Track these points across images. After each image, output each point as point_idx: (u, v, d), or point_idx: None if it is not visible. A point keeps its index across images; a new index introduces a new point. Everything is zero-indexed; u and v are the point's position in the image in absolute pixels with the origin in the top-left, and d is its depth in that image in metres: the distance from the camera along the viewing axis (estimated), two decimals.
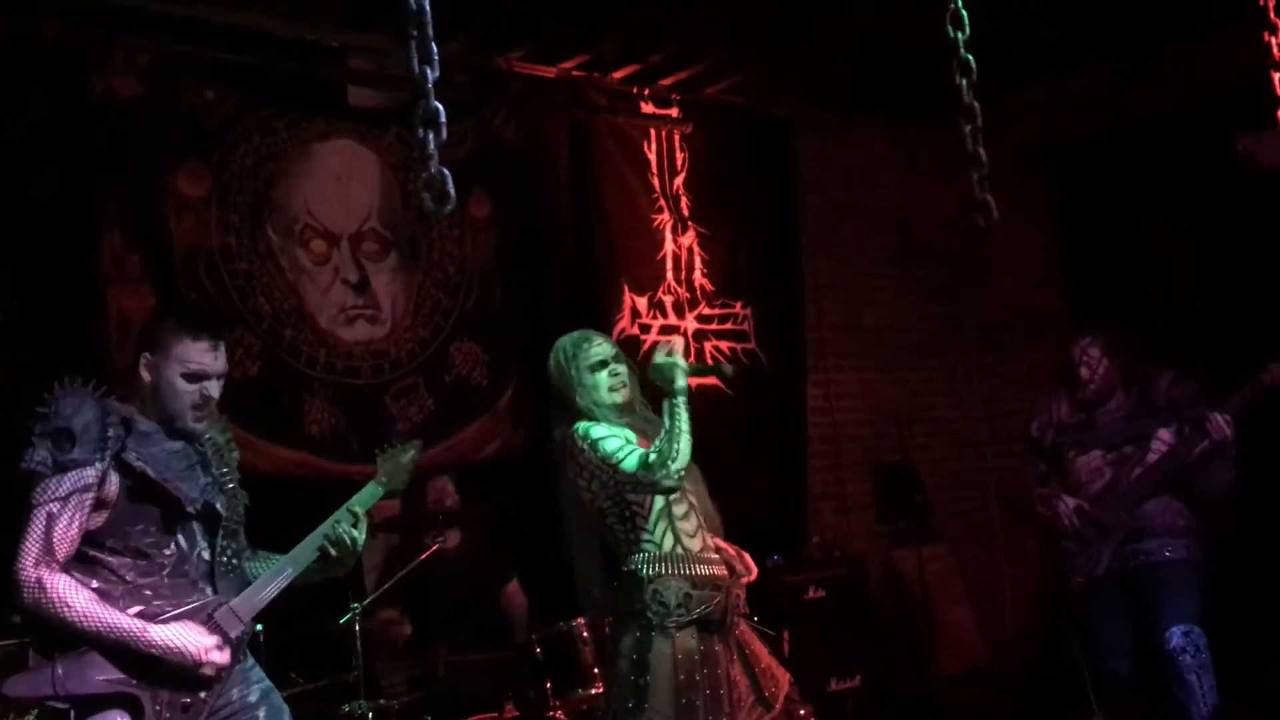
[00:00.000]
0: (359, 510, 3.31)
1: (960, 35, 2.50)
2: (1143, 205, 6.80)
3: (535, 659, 4.83)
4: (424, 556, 5.07)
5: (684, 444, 3.40)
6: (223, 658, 3.04)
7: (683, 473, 3.41)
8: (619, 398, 3.61)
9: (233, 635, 3.10)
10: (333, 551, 3.24)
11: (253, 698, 3.17)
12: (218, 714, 3.10)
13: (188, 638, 2.99)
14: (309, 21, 5.53)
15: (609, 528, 3.58)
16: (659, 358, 3.52)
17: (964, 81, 2.49)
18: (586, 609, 4.43)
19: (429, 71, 1.88)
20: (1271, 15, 3.13)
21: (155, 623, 2.98)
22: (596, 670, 4.71)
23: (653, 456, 3.40)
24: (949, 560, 7.44)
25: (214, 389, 3.16)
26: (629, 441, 3.50)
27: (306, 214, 5.63)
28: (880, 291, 7.72)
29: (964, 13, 2.50)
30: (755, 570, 3.67)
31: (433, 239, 5.98)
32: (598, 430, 3.51)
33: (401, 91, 5.72)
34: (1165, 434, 4.77)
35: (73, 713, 2.90)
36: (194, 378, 3.11)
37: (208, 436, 3.25)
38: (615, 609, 3.59)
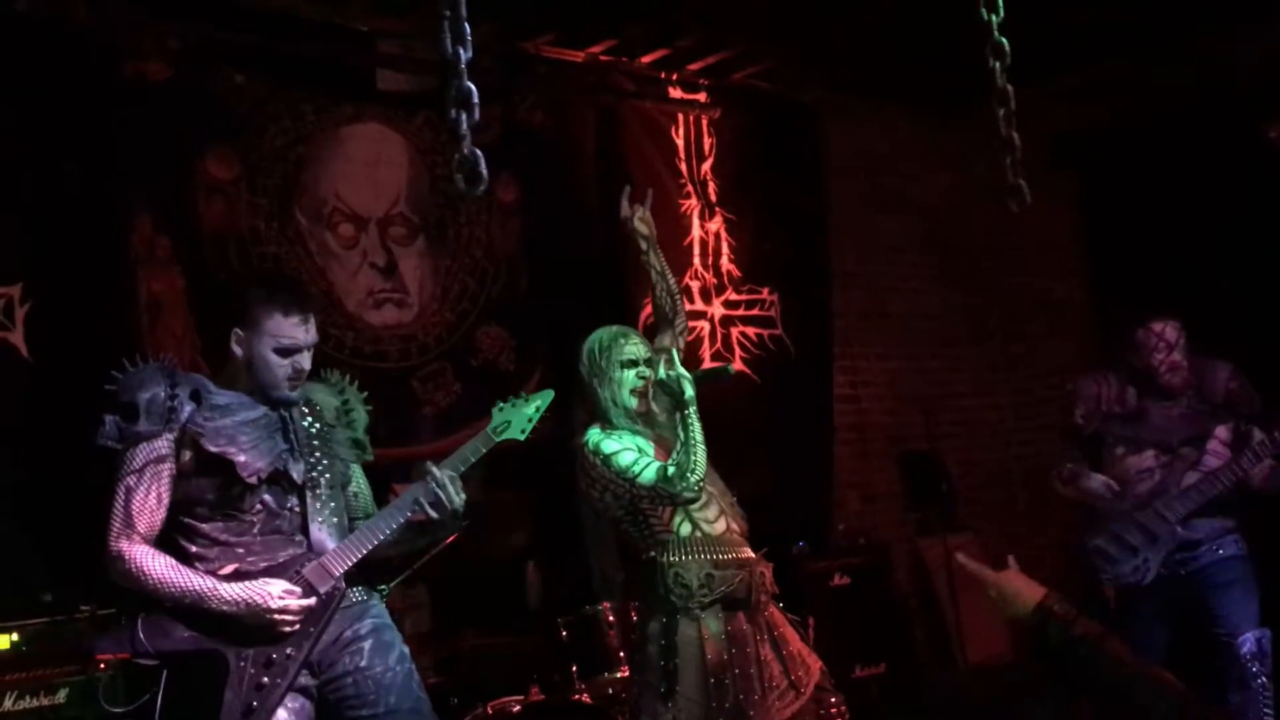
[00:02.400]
0: (447, 474, 3.27)
1: (994, 18, 2.48)
2: (1171, 194, 6.75)
3: (561, 642, 4.84)
4: (449, 540, 5.07)
5: (700, 455, 3.42)
6: (297, 605, 3.08)
7: (701, 484, 3.41)
8: (636, 402, 3.61)
9: (321, 589, 3.14)
10: (431, 513, 3.25)
11: (363, 630, 3.25)
12: (329, 657, 3.18)
13: (255, 590, 3.06)
14: (338, 5, 5.54)
15: (624, 530, 3.59)
16: (663, 373, 3.53)
17: (997, 64, 2.48)
18: (603, 595, 4.45)
19: (462, 52, 1.88)
20: None
21: (229, 582, 3.07)
22: (621, 654, 4.71)
23: (671, 470, 3.40)
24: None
25: (305, 361, 3.25)
26: (642, 452, 3.50)
27: (335, 198, 5.64)
28: (907, 280, 7.69)
29: None
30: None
31: (460, 223, 5.99)
32: (608, 444, 3.50)
33: (430, 76, 5.73)
34: (1223, 432, 4.54)
35: (165, 670, 3.01)
36: (286, 352, 3.21)
37: (312, 404, 3.35)
38: (639, 595, 3.59)
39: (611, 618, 4.78)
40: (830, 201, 7.30)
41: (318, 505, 3.25)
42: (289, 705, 3.10)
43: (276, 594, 3.06)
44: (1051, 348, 7.73)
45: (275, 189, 5.47)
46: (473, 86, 1.87)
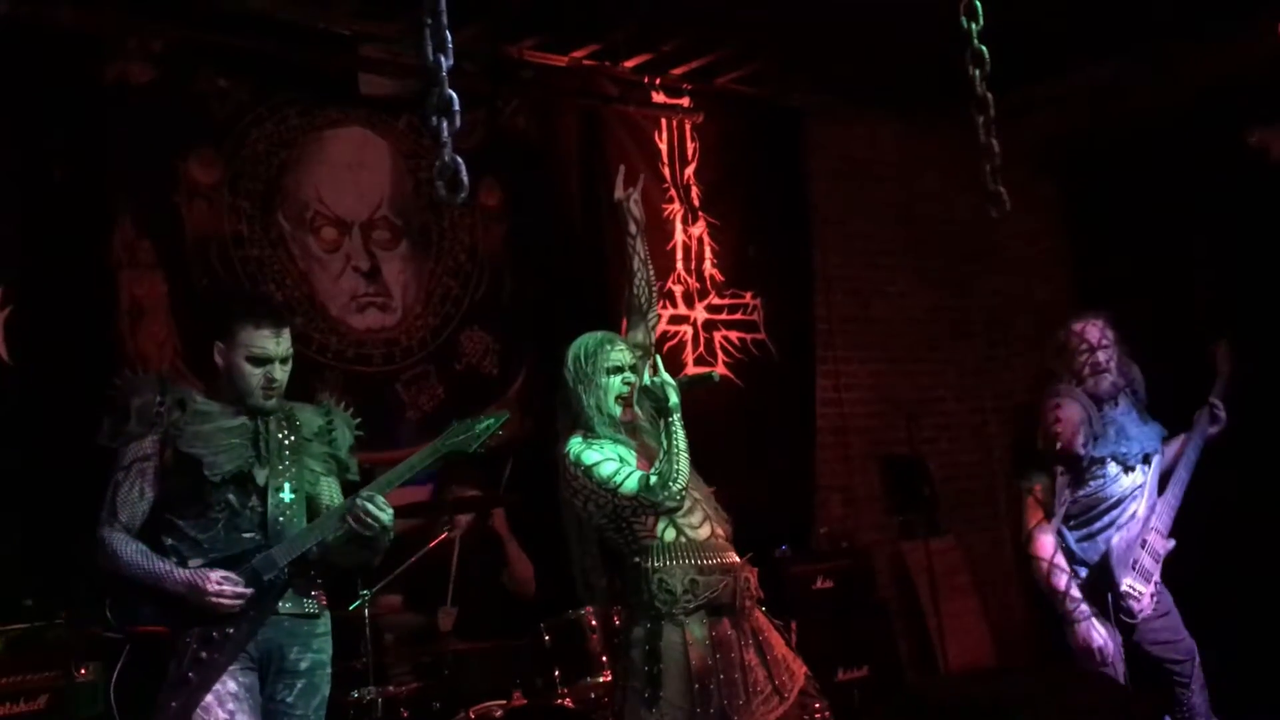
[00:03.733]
0: (368, 493, 3.57)
1: (974, 26, 2.51)
2: (1153, 199, 6.78)
3: (543, 647, 4.84)
4: (432, 545, 5.08)
5: (683, 463, 3.44)
6: (231, 589, 3.45)
7: (684, 492, 3.42)
8: (621, 410, 3.61)
9: (266, 576, 3.53)
10: (355, 528, 3.55)
11: (303, 665, 3.63)
12: (273, 662, 3.57)
13: (198, 575, 3.46)
14: (322, 9, 5.54)
15: (608, 537, 3.59)
16: (648, 380, 3.53)
17: (977, 72, 2.51)
18: (585, 600, 4.45)
19: (443, 60, 1.89)
20: None
21: (185, 567, 3.48)
22: (604, 659, 4.72)
23: (653, 479, 3.40)
24: (956, 553, 7.44)
25: (277, 371, 3.64)
26: (624, 461, 3.49)
27: (318, 201, 5.64)
28: (890, 283, 7.71)
29: (978, 3, 2.51)
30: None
31: (444, 227, 5.99)
32: (589, 455, 3.49)
33: (413, 80, 5.73)
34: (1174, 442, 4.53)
35: (128, 644, 3.42)
36: (257, 361, 3.61)
37: (293, 420, 3.72)
38: (622, 600, 3.59)
39: (594, 622, 4.79)
40: (813, 206, 7.32)
41: (279, 508, 3.60)
42: (240, 680, 3.48)
43: (215, 579, 3.45)
44: (1033, 352, 7.74)
45: (258, 193, 5.47)
46: (454, 94, 1.87)
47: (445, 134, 1.87)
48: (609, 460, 3.47)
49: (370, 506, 3.53)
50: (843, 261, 7.49)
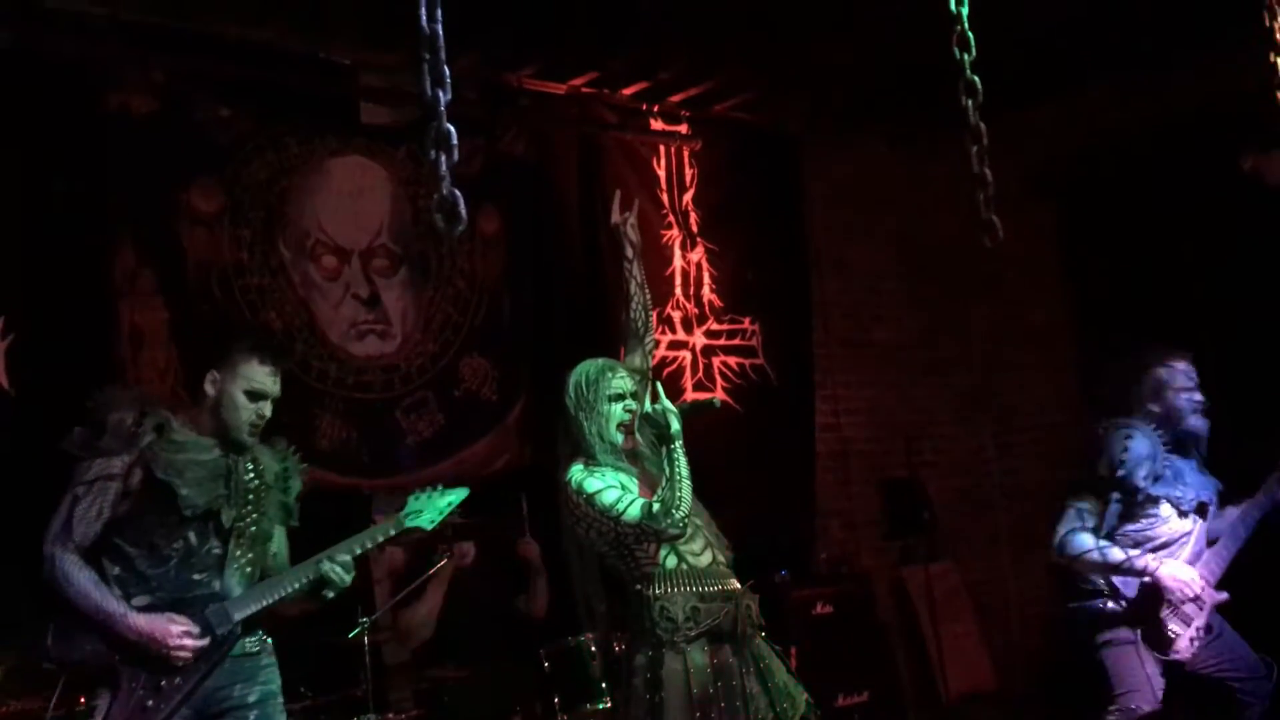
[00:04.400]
0: (345, 558, 3.56)
1: (966, 57, 2.53)
2: (1150, 221, 6.82)
3: (543, 673, 4.84)
4: (431, 572, 5.09)
5: (686, 490, 3.43)
6: (192, 644, 3.34)
7: (686, 520, 3.42)
8: (622, 438, 3.61)
9: (219, 631, 3.40)
10: (324, 592, 3.56)
11: (251, 698, 3.49)
12: (216, 705, 3.42)
13: (157, 626, 3.32)
14: (322, 39, 5.58)
15: (610, 564, 3.59)
16: (650, 407, 3.55)
17: (970, 102, 2.52)
18: (587, 626, 4.46)
19: (441, 94, 1.91)
20: (1278, 36, 3.14)
21: (141, 612, 3.33)
22: (604, 685, 4.72)
23: (656, 506, 3.40)
24: (956, 578, 7.44)
25: (267, 410, 3.59)
26: (625, 489, 3.50)
27: (318, 229, 5.67)
28: (888, 307, 7.74)
29: (970, 35, 2.53)
30: None
31: (443, 254, 6.01)
32: (591, 483, 3.49)
33: (413, 109, 5.77)
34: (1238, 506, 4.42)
35: (63, 677, 3.38)
36: (254, 396, 3.55)
37: (257, 462, 3.62)
38: (622, 626, 3.60)
39: (594, 648, 4.79)
40: (811, 231, 7.35)
41: (237, 553, 3.51)
42: None
43: (176, 632, 3.33)
44: (1032, 375, 7.78)
45: (259, 221, 5.50)
46: (452, 128, 1.89)
47: (444, 167, 1.89)
48: (611, 488, 3.48)
49: (341, 571, 3.52)
50: (840, 286, 7.52)
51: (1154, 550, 4.25)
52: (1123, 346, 4.72)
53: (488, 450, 5.96)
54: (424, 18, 1.92)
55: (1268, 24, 3.14)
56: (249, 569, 3.53)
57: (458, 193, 1.88)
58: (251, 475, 3.59)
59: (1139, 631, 4.23)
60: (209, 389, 3.58)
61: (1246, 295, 6.47)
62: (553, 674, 4.83)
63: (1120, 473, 4.21)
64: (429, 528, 3.71)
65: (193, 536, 3.43)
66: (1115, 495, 4.24)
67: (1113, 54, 6.41)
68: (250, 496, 3.56)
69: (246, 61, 5.38)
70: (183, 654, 3.33)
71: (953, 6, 2.54)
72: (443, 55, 1.91)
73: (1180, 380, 4.40)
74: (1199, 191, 6.52)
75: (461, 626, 5.24)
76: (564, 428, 3.66)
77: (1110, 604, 4.28)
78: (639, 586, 3.50)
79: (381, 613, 4.95)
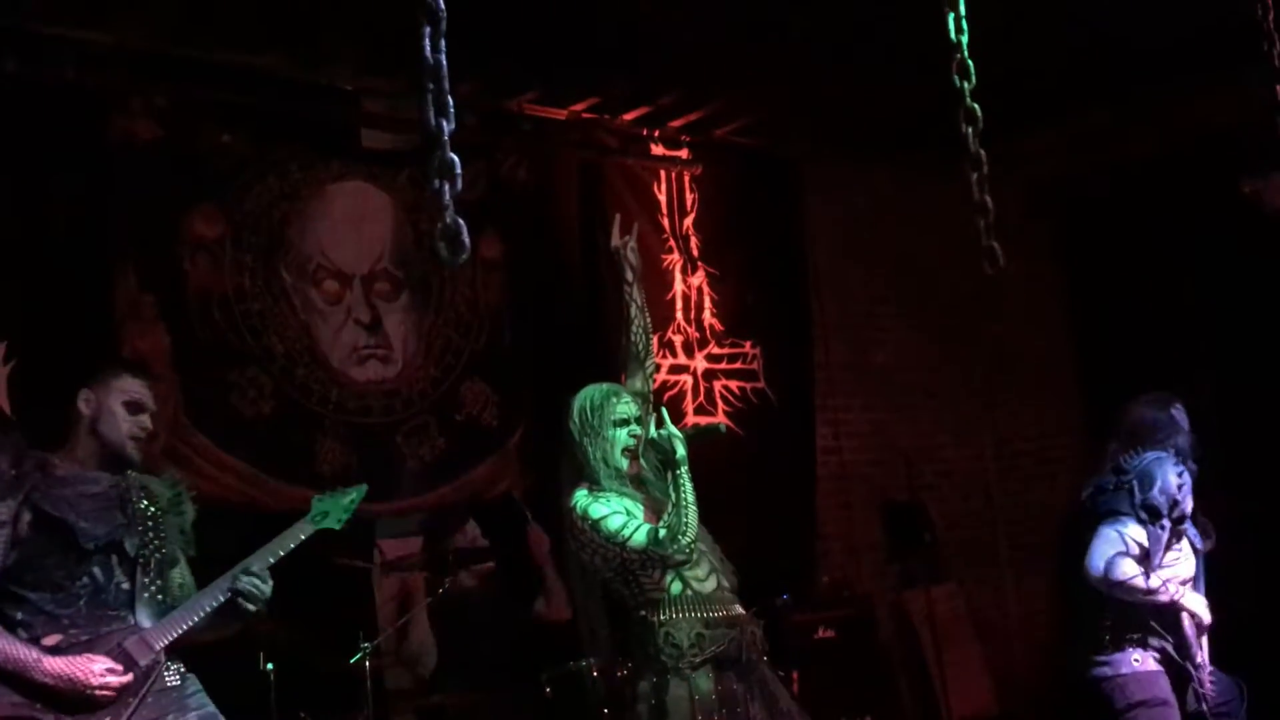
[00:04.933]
0: (257, 568, 3.39)
1: (966, 85, 2.54)
2: (1150, 246, 6.84)
3: (545, 699, 4.83)
4: (429, 601, 5.09)
5: (692, 516, 3.43)
6: (116, 681, 3.17)
7: (693, 545, 3.42)
8: (627, 463, 3.61)
9: (142, 662, 3.24)
10: (242, 603, 3.36)
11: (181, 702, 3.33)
12: None
13: (78, 666, 3.15)
14: (324, 66, 5.60)
15: (615, 590, 3.59)
16: (654, 433, 3.55)
17: (970, 130, 2.53)
18: (590, 652, 4.45)
19: (445, 124, 1.92)
20: (1277, 64, 3.16)
21: (54, 653, 3.16)
22: (607, 711, 4.71)
23: (662, 532, 3.41)
24: (957, 600, 7.43)
25: (148, 422, 3.48)
26: (630, 515, 3.49)
27: (320, 254, 5.68)
28: (888, 331, 7.75)
29: (970, 63, 2.54)
30: None
31: (444, 279, 6.02)
32: (597, 508, 3.50)
33: (414, 134, 5.79)
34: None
35: None
36: (133, 407, 3.44)
37: (148, 489, 3.50)
38: (625, 652, 3.60)
39: (596, 674, 4.78)
40: (811, 255, 7.37)
41: (145, 581, 3.38)
42: None
43: (98, 671, 3.16)
44: (1032, 398, 7.79)
45: (260, 246, 5.51)
46: (455, 158, 1.90)
47: (447, 197, 1.89)
48: (616, 514, 3.47)
49: (258, 581, 3.35)
50: (841, 309, 7.53)
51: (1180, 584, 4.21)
52: (1134, 383, 4.67)
53: (489, 475, 5.96)
54: (427, 49, 1.92)
55: (1266, 49, 3.15)
56: (160, 597, 3.39)
57: (461, 222, 1.87)
58: (146, 503, 3.47)
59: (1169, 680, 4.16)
60: (83, 408, 3.43)
61: (1245, 318, 6.49)
62: (555, 699, 4.81)
63: (1178, 498, 4.14)
64: (338, 527, 3.62)
65: (98, 571, 3.29)
66: (1164, 523, 4.15)
67: (1112, 80, 6.44)
68: (150, 523, 3.43)
69: (248, 88, 5.41)
70: (106, 693, 3.17)
71: (953, 35, 2.55)
72: (446, 85, 1.91)
73: (1187, 422, 4.38)
74: (1198, 216, 6.54)
75: (468, 651, 5.24)
76: (568, 453, 3.66)
77: (1138, 660, 4.17)
78: (644, 612, 3.50)
79: (384, 638, 4.95)
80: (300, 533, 3.53)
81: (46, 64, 4.90)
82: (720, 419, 6.57)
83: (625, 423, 3.62)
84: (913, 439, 7.64)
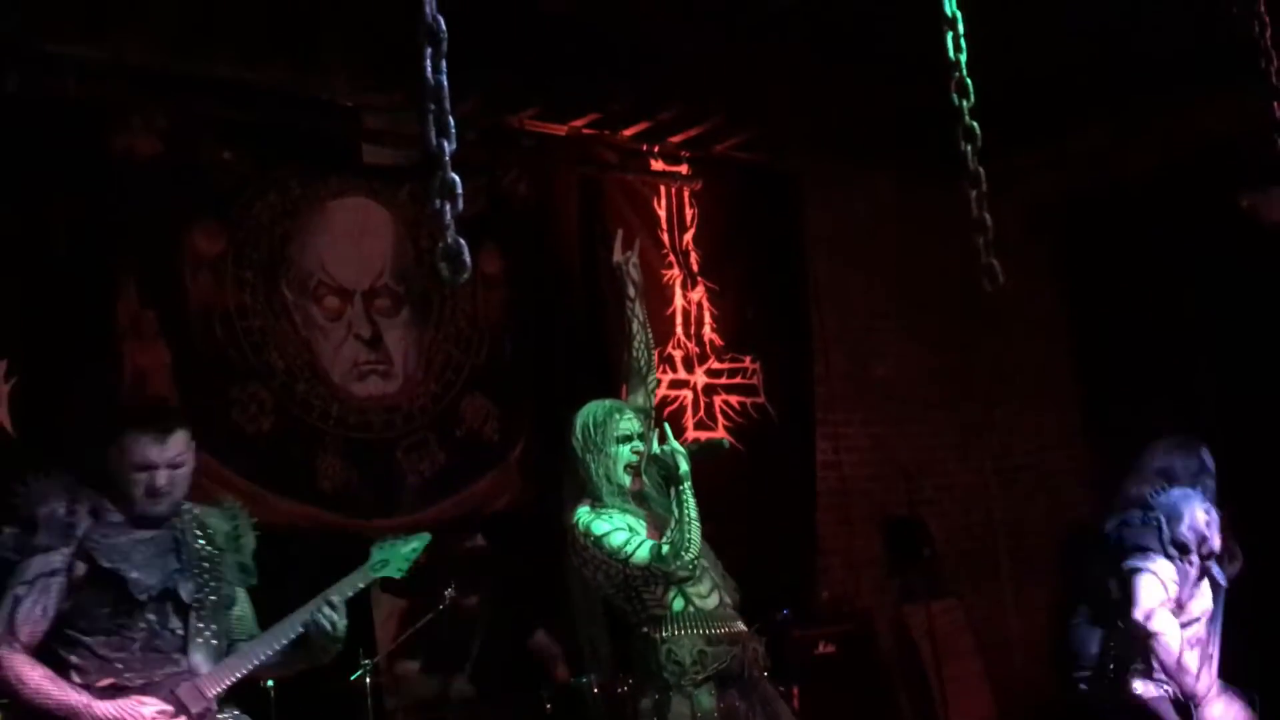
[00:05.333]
0: (337, 600, 3.34)
1: (965, 103, 2.54)
2: (1149, 259, 6.85)
3: (545, 715, 4.83)
4: (430, 616, 5.09)
5: (695, 532, 3.42)
6: None
7: (696, 561, 3.42)
8: (629, 480, 3.61)
9: (194, 709, 3.17)
10: (316, 639, 3.30)
11: None
12: None
13: (128, 710, 3.10)
14: (324, 81, 5.61)
15: (617, 606, 3.59)
16: (657, 449, 3.55)
17: (969, 148, 2.53)
18: (590, 668, 4.45)
19: (446, 144, 1.92)
20: (1274, 81, 3.17)
21: (109, 699, 3.10)
22: None
23: (665, 548, 3.41)
24: (958, 615, 7.42)
25: (162, 479, 3.29)
26: (633, 531, 3.49)
27: (321, 270, 5.69)
28: (888, 345, 7.75)
29: (969, 81, 2.55)
30: None
31: (445, 295, 6.02)
32: (599, 525, 3.50)
33: (415, 150, 5.80)
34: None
35: None
36: (139, 468, 3.27)
37: (205, 526, 3.41)
38: (626, 668, 3.59)
39: (597, 690, 4.78)
40: (811, 269, 7.37)
41: (199, 626, 3.30)
42: None
43: (148, 715, 3.12)
44: (1033, 412, 7.79)
45: (261, 262, 5.51)
46: (457, 178, 1.90)
47: (448, 217, 1.90)
48: (619, 530, 3.47)
49: (334, 615, 3.29)
50: (841, 324, 7.53)
51: (1192, 621, 4.22)
52: (1134, 396, 4.69)
53: (489, 489, 5.96)
54: (429, 70, 1.93)
55: (1264, 66, 3.16)
56: (214, 642, 3.32)
57: (462, 241, 1.88)
58: (203, 543, 3.39)
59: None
60: (111, 467, 3.34)
61: (1244, 332, 6.50)
62: (555, 715, 4.81)
63: (1206, 535, 4.17)
64: (399, 576, 3.57)
65: (152, 618, 3.22)
66: (1192, 559, 4.18)
67: (1110, 95, 6.46)
68: (205, 564, 3.36)
69: (249, 104, 5.42)
70: None
71: (951, 53, 2.56)
72: (447, 106, 1.92)
73: (1214, 465, 4.40)
74: (1197, 230, 6.55)
75: (472, 664, 5.24)
76: (570, 469, 3.66)
77: (1140, 687, 4.18)
78: (646, 629, 3.50)
79: (382, 655, 4.94)
80: (359, 581, 3.44)
81: (48, 80, 4.91)
82: (721, 434, 6.57)
83: (628, 439, 3.62)
84: (913, 453, 7.63)
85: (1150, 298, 6.90)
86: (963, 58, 2.54)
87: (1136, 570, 4.13)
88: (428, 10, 1.94)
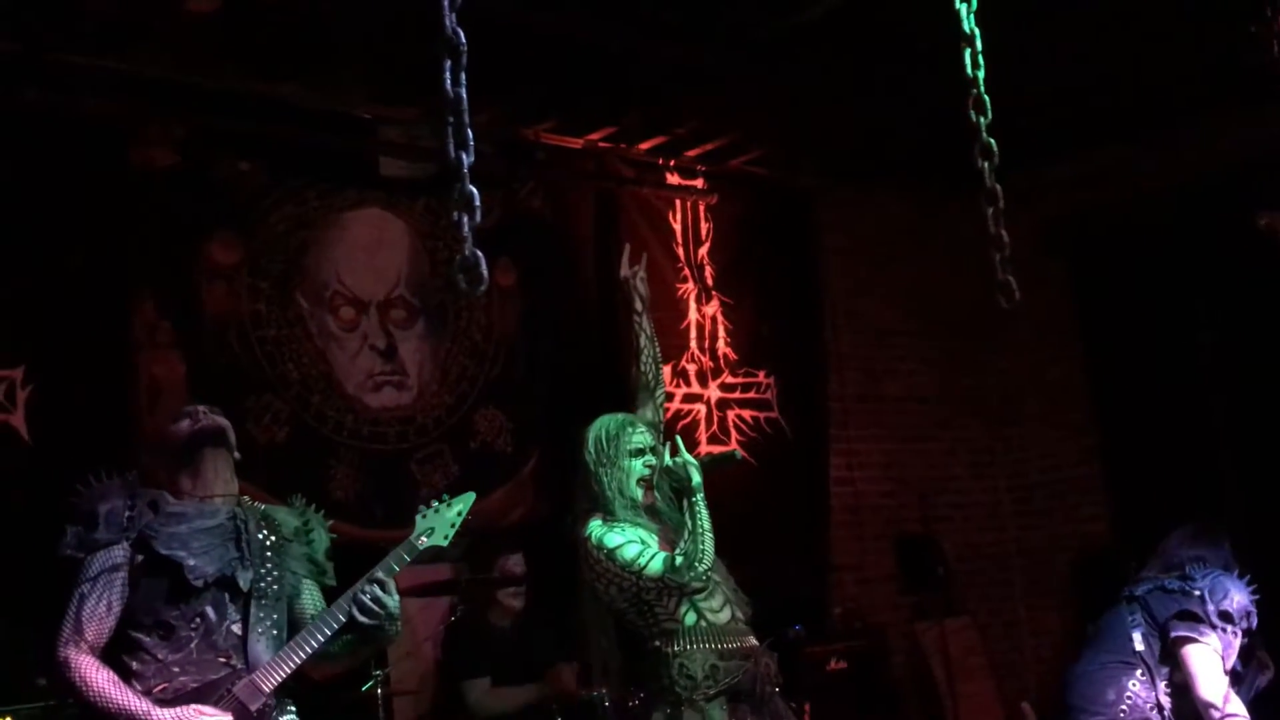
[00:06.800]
0: (382, 576, 3.26)
1: (982, 120, 2.54)
2: (1163, 278, 6.83)
3: None
4: (441, 627, 5.08)
5: (708, 543, 3.43)
6: None
7: (709, 573, 3.42)
8: (641, 493, 3.61)
9: (253, 707, 3.14)
10: (362, 619, 3.22)
11: None
12: None
13: (185, 718, 3.07)
14: (341, 94, 5.63)
15: (629, 620, 3.58)
16: (669, 461, 3.55)
17: (986, 165, 2.53)
18: (599, 682, 4.44)
19: (465, 157, 1.93)
20: None
21: (166, 705, 3.08)
22: None
23: (679, 560, 3.41)
24: (971, 633, 7.39)
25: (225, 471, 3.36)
26: (645, 544, 3.50)
27: (336, 281, 5.70)
28: (902, 362, 7.74)
29: (986, 98, 2.55)
30: None
31: (460, 307, 6.04)
32: (612, 538, 3.50)
33: (431, 163, 5.83)
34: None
35: None
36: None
37: (270, 520, 3.40)
38: (637, 682, 3.59)
39: (608, 705, 4.76)
40: (825, 285, 7.37)
41: (260, 615, 3.26)
42: None
43: None
44: (1047, 430, 7.76)
45: (277, 273, 5.53)
46: (475, 190, 1.91)
47: (466, 229, 1.91)
48: (632, 543, 3.48)
49: (379, 592, 3.22)
50: (854, 340, 7.52)
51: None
52: (1150, 415, 4.64)
53: (502, 503, 5.96)
54: (448, 82, 1.94)
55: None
56: (275, 631, 3.27)
57: (480, 254, 1.89)
58: (265, 533, 3.36)
59: None
60: None
61: (1260, 350, 6.48)
62: None
63: (1250, 610, 4.15)
64: (445, 544, 3.45)
65: (209, 611, 3.20)
66: (1235, 631, 4.12)
67: (1127, 113, 6.45)
68: (268, 554, 3.32)
69: (266, 116, 5.44)
70: None
71: (969, 70, 2.56)
72: (466, 119, 1.93)
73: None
74: (1212, 249, 6.53)
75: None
76: (582, 482, 3.66)
77: None
78: (658, 643, 3.50)
79: (391, 668, 4.93)
80: (405, 554, 3.35)
81: (66, 93, 4.94)
82: (733, 446, 6.56)
83: (640, 453, 3.62)
84: (926, 471, 7.62)
85: (1166, 317, 6.87)
86: (980, 74, 2.55)
87: (1190, 640, 4.07)
88: (447, 23, 1.95)
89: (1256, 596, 4.16)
